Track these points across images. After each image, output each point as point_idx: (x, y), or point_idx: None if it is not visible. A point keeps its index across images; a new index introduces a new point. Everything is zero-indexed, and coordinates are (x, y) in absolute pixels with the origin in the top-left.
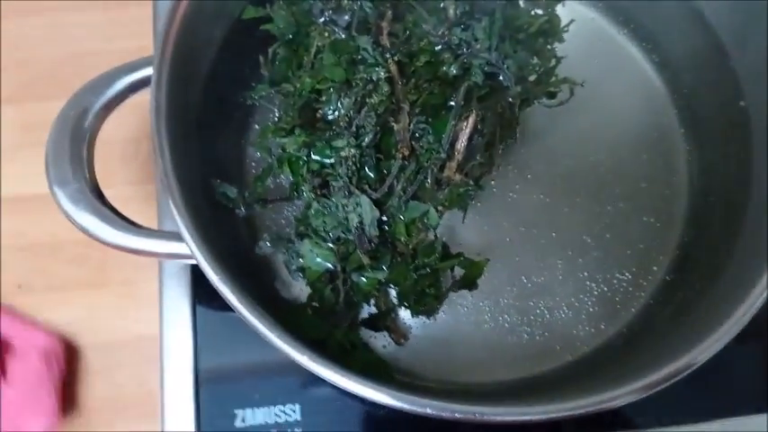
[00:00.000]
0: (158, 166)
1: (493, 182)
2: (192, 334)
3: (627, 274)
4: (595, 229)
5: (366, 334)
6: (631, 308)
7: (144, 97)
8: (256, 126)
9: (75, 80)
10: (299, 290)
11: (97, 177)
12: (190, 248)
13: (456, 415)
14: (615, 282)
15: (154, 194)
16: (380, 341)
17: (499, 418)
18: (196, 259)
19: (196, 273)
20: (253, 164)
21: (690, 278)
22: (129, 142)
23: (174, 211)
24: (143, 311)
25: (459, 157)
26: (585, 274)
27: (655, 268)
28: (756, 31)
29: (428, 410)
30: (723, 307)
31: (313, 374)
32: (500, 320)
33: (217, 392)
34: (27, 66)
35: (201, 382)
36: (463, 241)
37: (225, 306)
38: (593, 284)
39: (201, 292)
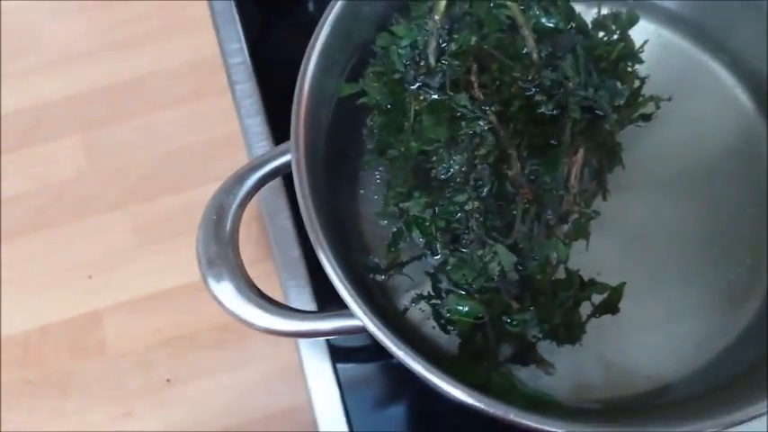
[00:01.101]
0: (319, 253)
1: (599, 206)
2: (338, 394)
3: (744, 271)
4: (701, 237)
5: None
6: (754, 301)
7: None
8: (362, 191)
9: (175, 175)
10: (444, 342)
11: None
12: (361, 320)
13: None
14: (733, 279)
15: (272, 272)
16: (528, 375)
17: None
18: (370, 331)
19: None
20: (368, 232)
21: None
22: (242, 225)
23: (343, 290)
24: (288, 384)
25: (574, 190)
26: (702, 279)
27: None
28: None
29: None
30: None
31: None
32: (636, 339)
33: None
34: (125, 171)
35: None
36: (586, 266)
37: (362, 361)
38: (711, 286)
39: (338, 352)
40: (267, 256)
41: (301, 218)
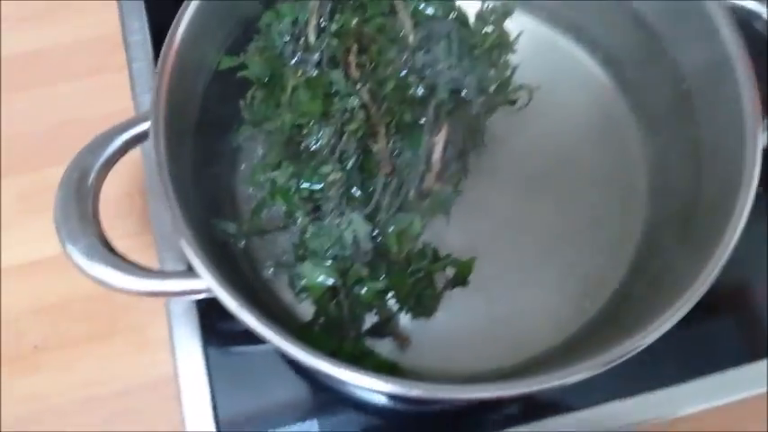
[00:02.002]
0: (169, 211)
1: (470, 188)
2: (205, 370)
3: (603, 254)
4: (569, 218)
5: (371, 344)
6: (611, 285)
7: (133, 155)
8: (243, 166)
9: (66, 148)
10: (304, 312)
11: None
12: (207, 281)
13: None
14: (594, 263)
15: (151, 244)
16: (385, 348)
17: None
18: (214, 291)
19: (202, 312)
20: (244, 201)
21: (658, 250)
22: (124, 197)
23: (189, 249)
24: (157, 355)
25: (436, 167)
26: (565, 260)
27: (627, 245)
28: (688, 22)
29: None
30: (686, 277)
31: (327, 395)
32: (492, 313)
33: (236, 421)
34: (18, 140)
35: (221, 413)
36: (450, 244)
37: (232, 341)
38: (573, 268)
39: (209, 329)
40: (148, 229)
41: None
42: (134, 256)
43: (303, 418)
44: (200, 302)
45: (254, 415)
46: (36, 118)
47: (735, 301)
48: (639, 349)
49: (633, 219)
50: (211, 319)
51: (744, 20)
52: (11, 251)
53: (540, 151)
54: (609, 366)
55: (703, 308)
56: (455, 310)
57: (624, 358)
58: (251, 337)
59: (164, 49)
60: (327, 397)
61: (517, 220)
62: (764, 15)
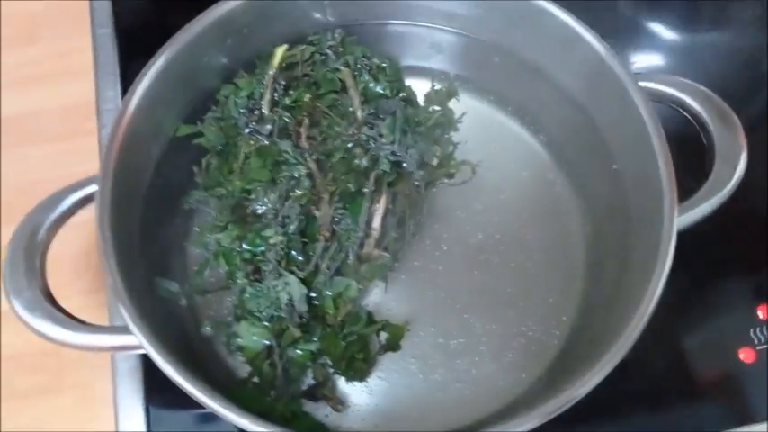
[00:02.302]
0: (104, 268)
1: (414, 258)
2: (145, 428)
3: (540, 326)
4: (508, 290)
5: (310, 408)
6: (547, 355)
7: (88, 215)
8: (196, 228)
9: (29, 205)
10: (241, 371)
11: (53, 290)
12: (137, 337)
13: None
14: (531, 334)
15: (105, 303)
16: (322, 411)
17: None
18: (143, 346)
19: (147, 371)
20: (194, 262)
21: (593, 321)
22: (80, 256)
23: (120, 304)
24: (99, 411)
25: (375, 234)
26: (503, 330)
27: (564, 318)
28: (617, 105)
29: None
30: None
31: None
32: (431, 379)
33: None
34: None
35: None
36: (391, 313)
37: (177, 402)
38: (511, 339)
39: (153, 389)
40: (101, 287)
41: None
42: (87, 312)
43: None
44: (145, 362)
45: None
46: (11, 177)
47: None
48: (574, 401)
49: (571, 290)
50: (156, 379)
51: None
52: None
53: (483, 225)
54: (547, 418)
55: None
56: (393, 377)
57: (561, 410)
58: (193, 401)
59: (117, 114)
60: None
61: (457, 291)
62: (682, 98)
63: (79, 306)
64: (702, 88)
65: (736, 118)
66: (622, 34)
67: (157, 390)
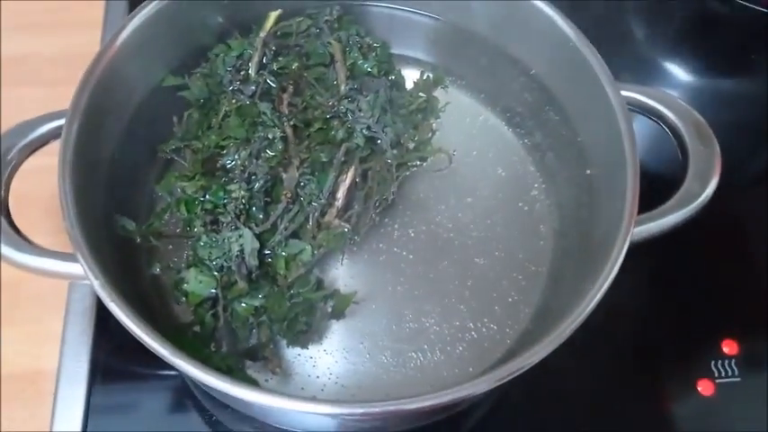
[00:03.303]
0: (60, 193)
1: (379, 240)
2: (87, 374)
3: (495, 323)
4: (468, 284)
5: (252, 371)
6: (497, 353)
7: None
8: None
9: None
10: (185, 319)
11: (22, 229)
12: (82, 265)
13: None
14: (485, 330)
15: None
16: (263, 376)
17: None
18: (87, 276)
19: (99, 316)
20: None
21: (546, 325)
22: (51, 198)
23: (69, 229)
24: (45, 348)
25: (338, 204)
26: (458, 323)
27: (520, 318)
28: (597, 111)
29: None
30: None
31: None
32: (377, 360)
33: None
34: None
35: (91, 420)
36: (346, 288)
37: (121, 356)
38: (465, 332)
39: (103, 336)
40: None
41: None
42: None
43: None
44: (100, 306)
45: (125, 422)
46: (5, 114)
47: None
48: (523, 370)
49: (531, 293)
50: (108, 327)
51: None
52: None
53: (453, 217)
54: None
55: None
56: (339, 353)
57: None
58: (141, 355)
59: (99, 51)
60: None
61: (418, 278)
62: (661, 109)
63: (44, 244)
64: (682, 103)
65: (714, 138)
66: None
67: (107, 340)
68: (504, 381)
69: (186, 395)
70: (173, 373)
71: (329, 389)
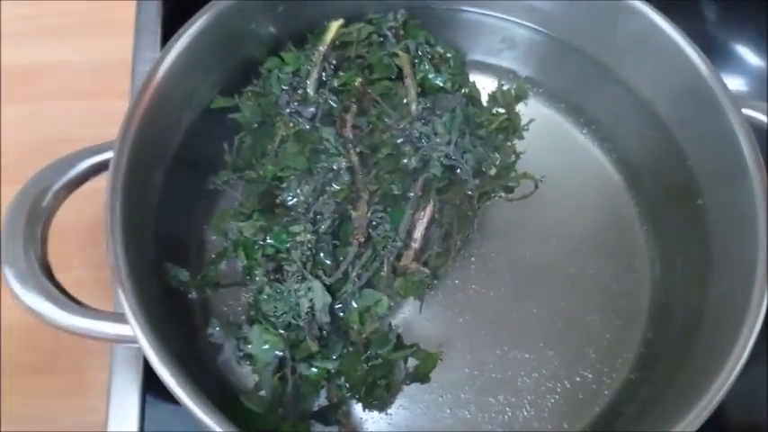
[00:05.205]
0: (108, 246)
1: (455, 276)
2: (138, 423)
3: (590, 371)
4: (558, 326)
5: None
6: (595, 406)
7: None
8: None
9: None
10: (250, 379)
11: (55, 261)
12: (133, 329)
13: None
14: (579, 379)
15: (110, 280)
16: None
17: None
18: (138, 341)
19: (147, 363)
20: (213, 251)
21: (653, 375)
22: (91, 228)
23: (119, 290)
24: (91, 401)
25: (415, 245)
26: (548, 371)
27: (618, 366)
28: (711, 132)
29: None
30: (684, 405)
31: None
32: (459, 416)
33: None
34: (8, 150)
35: None
36: (422, 334)
37: (173, 401)
38: (556, 382)
39: (153, 385)
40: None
41: None
42: (88, 288)
43: None
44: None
45: None
46: (29, 130)
47: None
48: None
49: (630, 336)
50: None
51: None
52: None
53: (538, 249)
54: None
55: None
56: (418, 409)
57: None
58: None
59: (146, 76)
60: None
61: (499, 319)
62: None
63: (81, 281)
64: None
65: None
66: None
67: (157, 386)
68: None
69: None
70: None
71: None
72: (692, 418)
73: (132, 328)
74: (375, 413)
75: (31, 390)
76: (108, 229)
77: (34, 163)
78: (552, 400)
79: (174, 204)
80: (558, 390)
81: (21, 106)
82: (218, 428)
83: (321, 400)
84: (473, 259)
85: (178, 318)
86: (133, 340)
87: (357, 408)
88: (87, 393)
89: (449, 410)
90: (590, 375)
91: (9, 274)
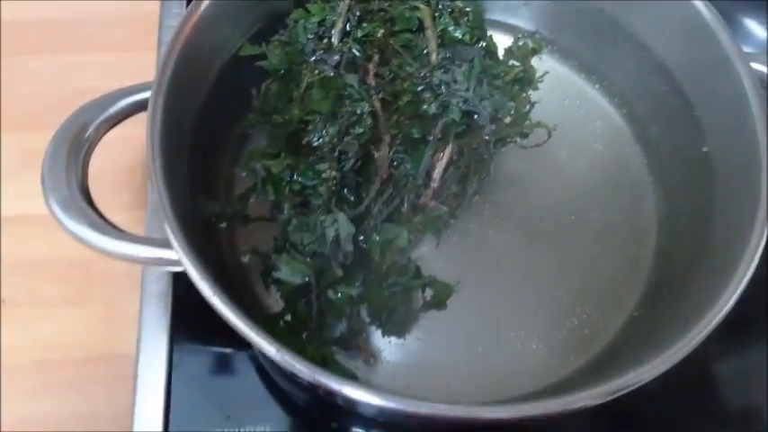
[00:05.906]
0: (151, 178)
1: (470, 220)
2: (167, 355)
3: (597, 310)
4: (567, 267)
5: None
6: (600, 341)
7: (138, 130)
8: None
9: None
10: (275, 304)
11: None
12: (176, 251)
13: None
14: (585, 317)
15: (144, 220)
16: (353, 364)
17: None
18: (183, 263)
19: (176, 297)
20: (240, 188)
21: (656, 314)
22: (123, 171)
23: (165, 218)
24: (121, 331)
25: (434, 185)
26: (556, 308)
27: (624, 304)
28: (717, 82)
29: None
30: (683, 335)
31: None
32: (472, 348)
33: (188, 414)
34: (31, 100)
35: (173, 402)
36: (435, 269)
37: (201, 333)
38: (565, 319)
39: (180, 315)
40: (142, 204)
41: None
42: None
43: (254, 423)
44: (176, 287)
45: (206, 412)
46: (56, 81)
47: None
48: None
49: (635, 278)
50: (185, 306)
51: None
52: (2, 204)
53: (548, 194)
54: (609, 398)
55: None
56: (431, 339)
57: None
58: (220, 335)
59: (179, 23)
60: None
61: (511, 260)
62: None
63: (116, 221)
64: None
65: None
66: None
67: (185, 317)
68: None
69: (266, 375)
70: (253, 353)
71: (423, 379)
72: (686, 341)
73: (176, 250)
74: (392, 343)
75: (65, 319)
76: (150, 166)
77: (65, 111)
78: (560, 336)
79: (205, 146)
80: (567, 326)
81: (50, 57)
82: (260, 339)
83: (341, 330)
84: (487, 205)
85: (209, 248)
86: (175, 263)
87: (376, 337)
88: (117, 325)
89: (462, 343)
90: (596, 313)
91: (53, 201)
